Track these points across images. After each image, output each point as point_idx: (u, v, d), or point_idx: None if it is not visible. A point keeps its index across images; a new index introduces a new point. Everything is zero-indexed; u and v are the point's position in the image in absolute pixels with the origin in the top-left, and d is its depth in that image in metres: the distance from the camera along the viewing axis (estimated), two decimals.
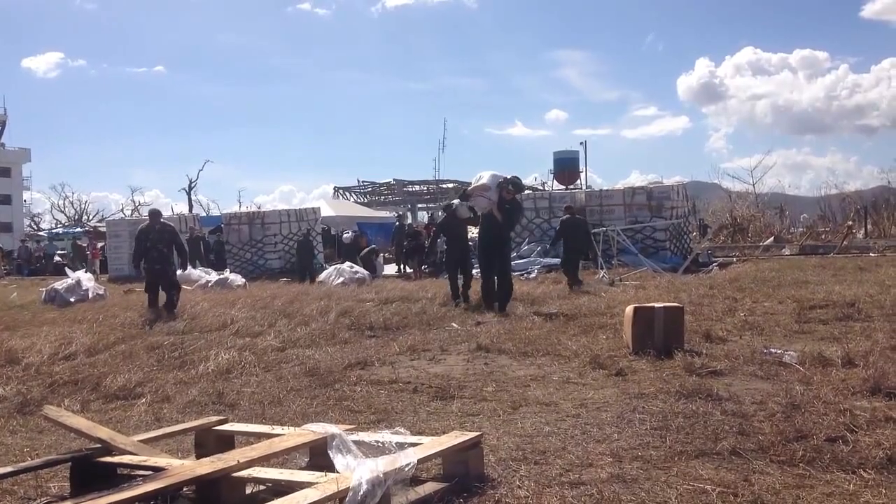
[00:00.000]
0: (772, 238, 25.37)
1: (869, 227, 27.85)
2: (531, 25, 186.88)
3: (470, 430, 3.29)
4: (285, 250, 22.91)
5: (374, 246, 22.20)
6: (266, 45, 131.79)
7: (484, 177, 9.84)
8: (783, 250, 21.01)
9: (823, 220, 32.03)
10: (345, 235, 24.24)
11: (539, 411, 4.04)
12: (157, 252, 10.70)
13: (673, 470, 2.96)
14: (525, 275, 15.62)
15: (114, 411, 4.79)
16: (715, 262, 17.24)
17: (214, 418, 3.58)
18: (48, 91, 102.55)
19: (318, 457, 3.03)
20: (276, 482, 2.67)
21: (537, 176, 45.16)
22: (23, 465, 3.07)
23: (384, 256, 24.01)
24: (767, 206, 33.12)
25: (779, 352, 5.19)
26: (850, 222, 26.73)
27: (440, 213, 8.29)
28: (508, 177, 9.76)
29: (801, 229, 30.46)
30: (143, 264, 10.91)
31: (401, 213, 35.48)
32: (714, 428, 3.48)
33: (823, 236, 26.34)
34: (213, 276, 16.21)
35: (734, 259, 17.34)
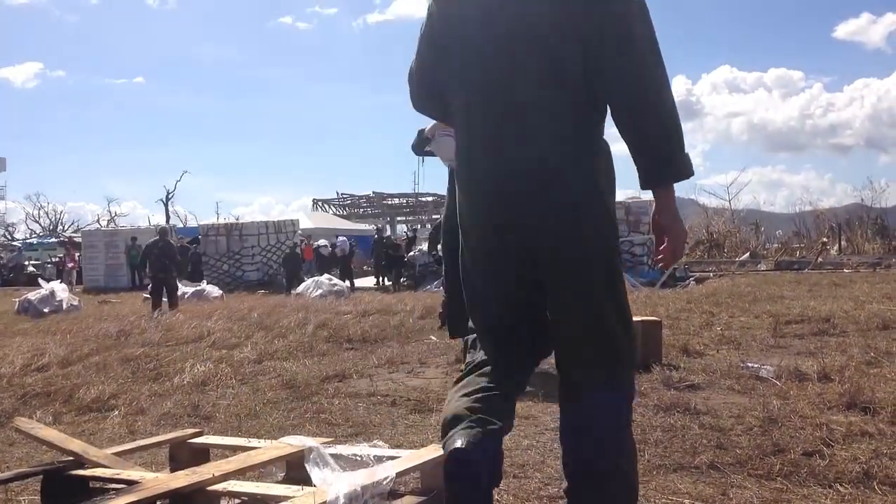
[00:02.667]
0: (748, 254, 25.63)
1: (843, 243, 28.23)
2: None
3: None
4: (263, 262, 22.82)
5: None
6: (247, 57, 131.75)
7: None
8: (759, 266, 21.24)
9: (798, 237, 32.46)
10: (319, 244, 24.11)
11: (518, 424, 4.01)
12: (161, 263, 13.11)
13: (651, 484, 2.96)
14: None
15: (87, 424, 4.71)
16: (692, 276, 17.39)
17: (189, 431, 3.52)
18: (26, 101, 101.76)
19: (295, 470, 2.99)
20: (251, 496, 2.63)
21: None
22: None
23: (363, 269, 23.96)
24: (743, 223, 33.49)
25: (756, 366, 5.23)
26: (825, 239, 27.10)
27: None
28: None
29: (776, 245, 30.81)
30: (147, 272, 13.63)
31: (380, 225, 35.44)
32: (692, 442, 3.49)
33: (798, 252, 26.64)
34: (190, 287, 16.13)
35: (711, 274, 17.48)
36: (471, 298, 2.34)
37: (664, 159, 2.03)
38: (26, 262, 31.25)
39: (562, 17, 2.03)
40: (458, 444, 2.01)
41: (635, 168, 2.07)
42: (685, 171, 2.04)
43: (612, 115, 2.11)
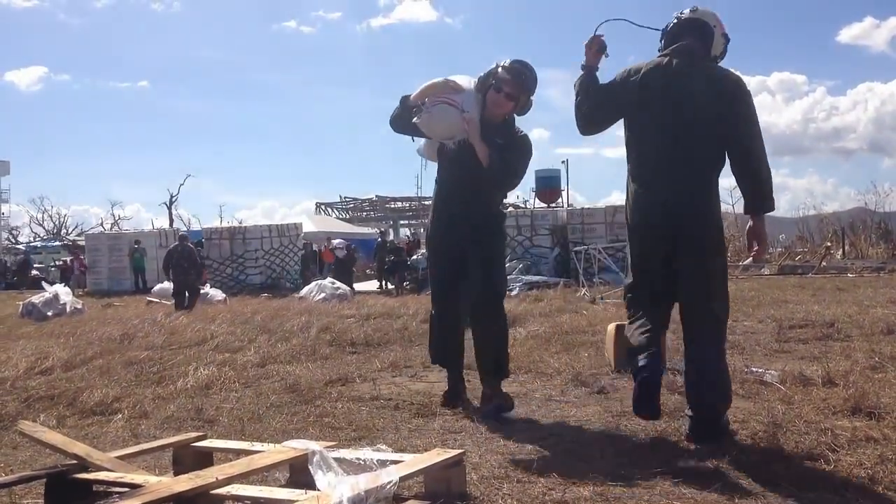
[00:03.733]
0: (751, 258, 25.58)
1: (847, 247, 28.16)
2: (514, 45, 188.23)
3: (452, 448, 3.26)
4: (266, 265, 22.84)
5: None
6: (251, 61, 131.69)
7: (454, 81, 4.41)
8: (762, 270, 21.18)
9: (802, 241, 32.34)
10: (336, 244, 24.08)
11: (521, 429, 4.02)
12: (181, 267, 14.44)
13: (656, 489, 2.95)
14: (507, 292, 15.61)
15: (90, 427, 4.71)
16: None
17: (193, 434, 3.52)
18: (31, 105, 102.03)
19: (299, 474, 2.99)
20: (255, 500, 2.62)
21: (519, 194, 45.28)
22: None
23: (366, 272, 23.95)
24: (745, 227, 33.38)
25: (760, 371, 5.21)
26: (829, 243, 27.03)
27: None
28: (505, 63, 4.33)
29: (779, 249, 30.73)
30: (170, 275, 14.87)
31: (383, 229, 35.45)
32: (697, 447, 3.47)
33: (802, 257, 26.58)
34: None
35: None
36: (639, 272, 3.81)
37: (766, 196, 3.61)
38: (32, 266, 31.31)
39: (725, 103, 3.55)
40: (642, 363, 3.55)
41: (744, 195, 3.61)
42: (772, 207, 3.65)
43: (737, 165, 3.60)
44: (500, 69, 4.30)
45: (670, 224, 3.57)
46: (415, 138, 4.59)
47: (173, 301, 14.61)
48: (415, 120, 4.31)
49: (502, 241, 4.68)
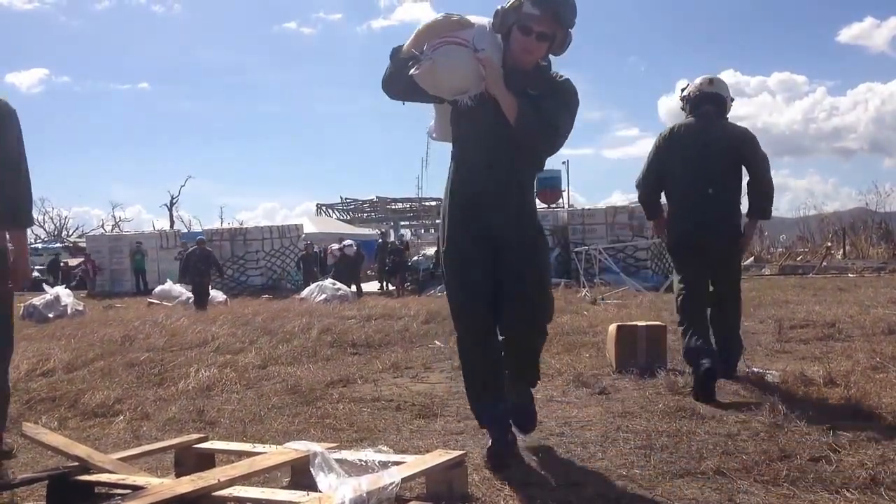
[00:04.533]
0: (752, 258, 25.58)
1: (847, 247, 28.15)
2: None
3: (454, 449, 3.27)
4: (267, 267, 22.87)
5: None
6: (251, 62, 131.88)
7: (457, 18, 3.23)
8: (763, 270, 21.19)
9: (802, 241, 32.37)
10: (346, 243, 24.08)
11: None
12: (198, 269, 15.24)
13: (658, 489, 2.95)
14: None
15: (92, 429, 4.71)
16: None
17: (195, 436, 3.53)
18: (31, 106, 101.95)
19: (301, 475, 3.00)
20: (257, 501, 2.62)
21: None
22: None
23: (367, 273, 23.95)
24: None
25: (761, 371, 5.21)
26: (829, 243, 27.04)
27: None
28: None
29: (780, 250, 30.74)
30: (188, 277, 15.84)
31: (383, 230, 35.44)
32: (698, 447, 3.48)
33: (802, 257, 26.58)
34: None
35: None
36: (681, 271, 5.05)
37: (766, 210, 5.07)
38: (33, 267, 31.35)
39: (739, 149, 4.91)
40: (705, 364, 4.54)
41: (748, 206, 5.08)
42: (770, 216, 5.15)
43: (753, 188, 5.00)
44: (524, 2, 3.17)
45: (705, 241, 4.93)
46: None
47: (192, 302, 15.34)
48: (412, 72, 3.16)
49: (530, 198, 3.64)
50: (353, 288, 18.79)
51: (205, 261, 15.60)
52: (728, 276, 5.11)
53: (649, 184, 5.09)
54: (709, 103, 4.98)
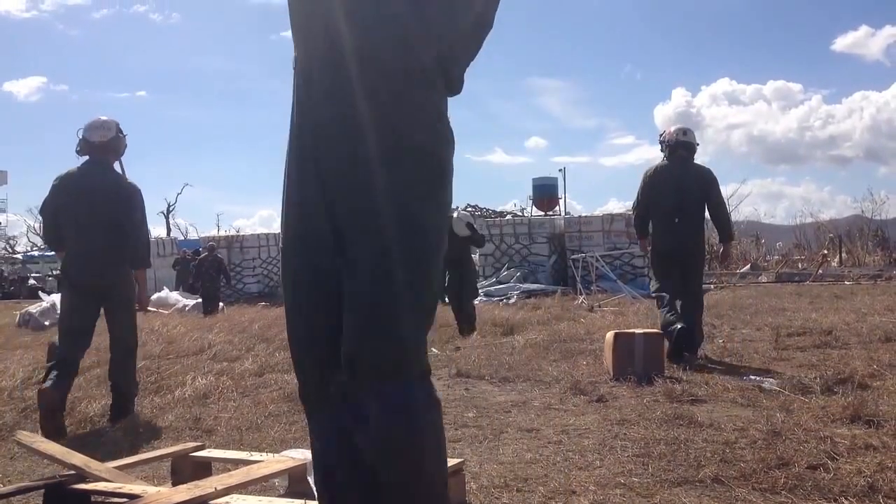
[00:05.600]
0: (748, 266, 25.60)
1: (843, 255, 28.19)
2: (511, 54, 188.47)
3: (451, 457, 3.25)
4: (264, 274, 22.83)
5: None
6: (249, 71, 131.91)
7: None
8: (760, 278, 21.21)
9: (799, 249, 32.39)
10: None
11: (520, 437, 4.01)
12: (209, 275, 15.83)
13: (656, 497, 2.94)
14: (504, 300, 15.63)
15: (88, 437, 4.69)
16: None
17: (191, 444, 3.52)
18: (28, 115, 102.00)
19: (298, 483, 2.99)
20: None
21: (517, 202, 45.30)
22: None
23: None
24: (744, 235, 33.43)
25: (758, 378, 5.21)
26: (825, 251, 27.08)
27: None
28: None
29: (776, 257, 30.78)
30: (199, 282, 16.21)
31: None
32: (696, 455, 3.47)
33: (799, 264, 26.61)
34: (190, 300, 16.24)
35: (711, 286, 17.45)
36: (659, 274, 6.65)
37: (732, 233, 7.57)
38: (28, 276, 31.27)
39: (704, 187, 6.46)
40: (679, 326, 6.08)
41: (719, 233, 7.79)
42: (734, 236, 9.75)
43: (717, 218, 6.73)
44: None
45: (680, 254, 6.52)
46: None
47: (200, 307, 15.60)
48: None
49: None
50: None
51: (216, 267, 16.15)
52: (694, 278, 6.51)
53: (640, 211, 6.72)
54: (682, 149, 6.49)
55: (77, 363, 4.93)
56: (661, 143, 6.61)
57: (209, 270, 15.98)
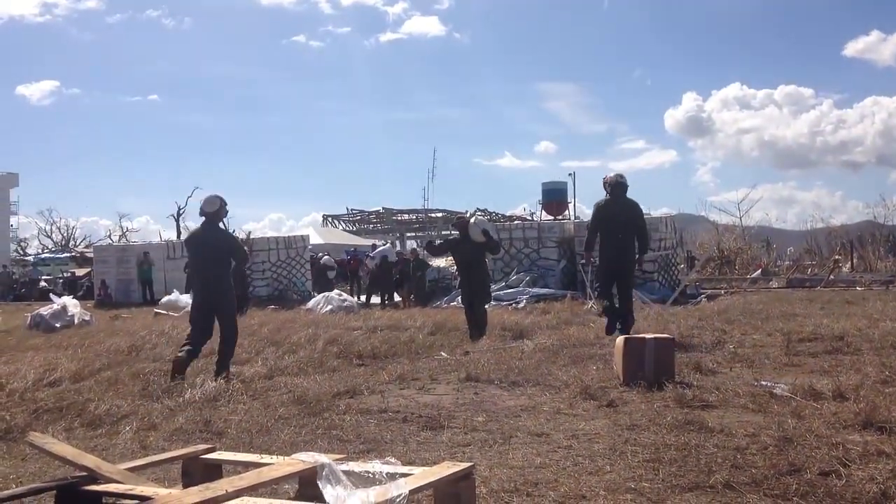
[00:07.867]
0: (759, 271, 25.50)
1: (855, 260, 28.03)
2: (521, 59, 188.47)
3: (461, 461, 3.25)
4: (273, 278, 22.87)
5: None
6: (260, 75, 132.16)
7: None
8: (770, 283, 21.12)
9: (810, 254, 32.23)
10: (324, 259, 24.21)
11: (530, 442, 4.01)
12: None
13: (666, 503, 2.93)
14: (513, 304, 15.62)
15: (99, 438, 4.72)
16: (703, 293, 17.30)
17: (202, 447, 3.52)
18: (41, 118, 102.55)
19: (308, 487, 2.98)
20: None
21: (526, 206, 45.29)
22: (6, 492, 3.01)
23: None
24: (754, 239, 33.33)
25: (769, 384, 5.19)
26: (837, 256, 26.94)
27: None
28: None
29: (787, 262, 30.63)
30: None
31: (390, 241, 35.44)
32: (707, 461, 3.46)
33: (810, 270, 26.49)
34: None
35: (722, 291, 17.39)
36: (602, 278, 8.99)
37: (648, 249, 9.22)
38: (41, 278, 31.40)
39: (634, 216, 8.55)
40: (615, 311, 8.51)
41: (638, 248, 8.68)
42: (647, 251, 9.22)
43: (640, 239, 8.59)
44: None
45: (620, 263, 8.50)
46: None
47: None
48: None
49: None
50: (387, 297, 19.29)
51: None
52: (627, 282, 8.60)
53: (592, 233, 8.71)
54: (619, 189, 8.49)
55: (200, 347, 7.06)
56: (604, 184, 8.69)
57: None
